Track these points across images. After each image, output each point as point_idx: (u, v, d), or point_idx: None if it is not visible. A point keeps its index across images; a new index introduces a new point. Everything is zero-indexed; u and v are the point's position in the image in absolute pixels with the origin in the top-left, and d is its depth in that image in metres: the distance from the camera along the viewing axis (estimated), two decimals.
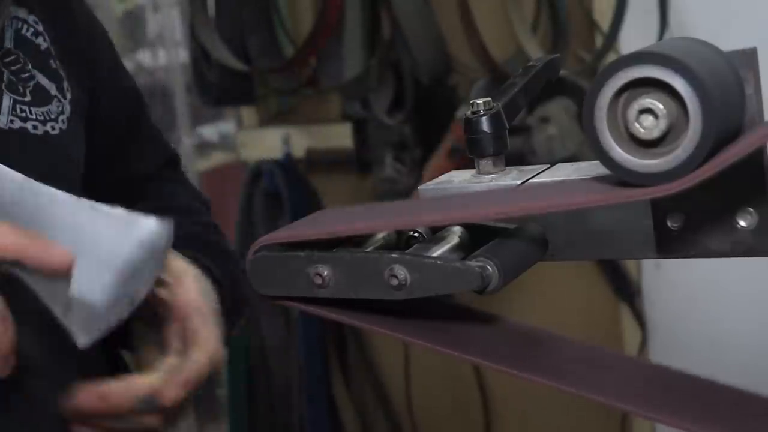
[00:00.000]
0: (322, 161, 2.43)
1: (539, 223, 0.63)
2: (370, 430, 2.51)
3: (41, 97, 0.89)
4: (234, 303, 0.93)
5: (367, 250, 0.63)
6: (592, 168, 0.62)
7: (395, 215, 0.63)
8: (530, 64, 0.73)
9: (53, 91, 0.91)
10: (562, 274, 2.10)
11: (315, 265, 0.61)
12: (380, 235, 0.65)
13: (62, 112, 0.91)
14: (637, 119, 0.52)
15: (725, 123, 0.51)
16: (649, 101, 0.51)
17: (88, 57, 0.97)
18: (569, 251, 0.64)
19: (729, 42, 0.58)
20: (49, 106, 0.89)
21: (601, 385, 0.56)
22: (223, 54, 2.29)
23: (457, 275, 0.57)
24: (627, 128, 0.52)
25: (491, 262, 0.57)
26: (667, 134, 0.51)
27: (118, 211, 0.69)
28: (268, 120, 2.54)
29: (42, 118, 0.88)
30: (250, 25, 2.34)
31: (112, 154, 1.01)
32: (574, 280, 2.16)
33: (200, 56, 2.36)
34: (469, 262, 0.57)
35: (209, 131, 3.00)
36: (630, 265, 2.07)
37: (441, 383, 2.40)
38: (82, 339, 0.68)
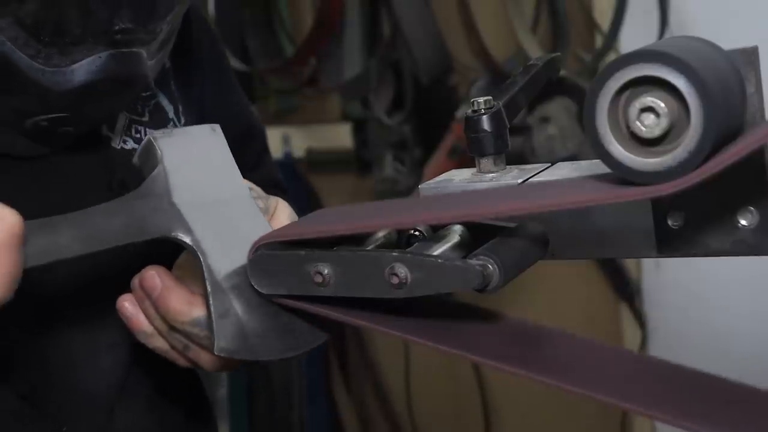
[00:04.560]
0: (322, 161, 2.43)
1: (540, 221, 0.63)
2: (370, 430, 2.51)
3: (159, 117, 0.84)
4: None
5: (368, 248, 0.63)
6: (593, 167, 0.62)
7: (396, 214, 0.62)
8: (531, 63, 0.73)
9: (171, 113, 0.86)
10: (562, 274, 2.10)
11: (315, 263, 0.61)
12: (381, 234, 0.65)
13: None
14: (638, 118, 0.51)
15: (726, 121, 0.51)
16: (650, 100, 0.51)
17: (200, 78, 0.92)
18: (570, 250, 0.64)
19: (729, 42, 0.58)
20: (165, 130, 0.83)
21: (604, 383, 0.56)
22: None
23: (457, 274, 0.57)
24: (628, 127, 0.52)
25: (492, 261, 0.57)
26: (669, 133, 0.51)
27: None
28: (268, 120, 2.53)
29: None
30: (250, 25, 2.34)
31: None
32: (574, 279, 2.16)
33: None
34: (469, 261, 0.57)
35: None
36: (630, 264, 2.07)
37: (441, 383, 2.40)
38: (220, 345, 0.66)
